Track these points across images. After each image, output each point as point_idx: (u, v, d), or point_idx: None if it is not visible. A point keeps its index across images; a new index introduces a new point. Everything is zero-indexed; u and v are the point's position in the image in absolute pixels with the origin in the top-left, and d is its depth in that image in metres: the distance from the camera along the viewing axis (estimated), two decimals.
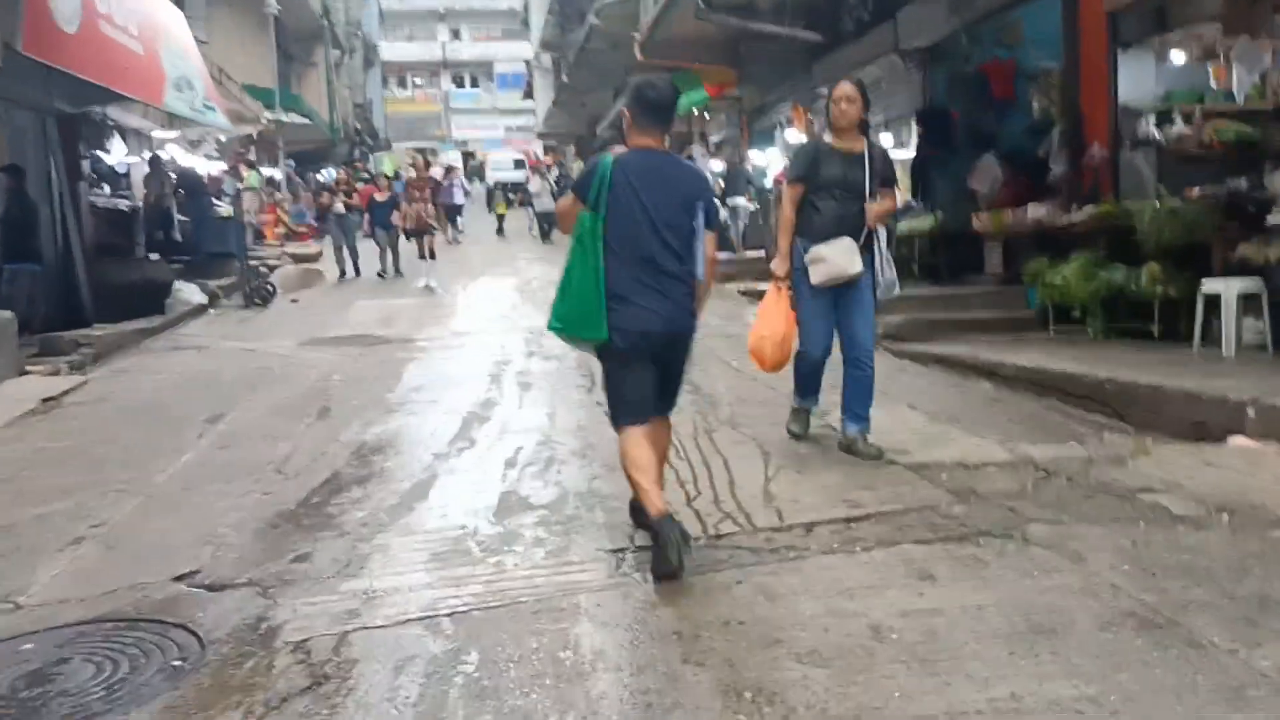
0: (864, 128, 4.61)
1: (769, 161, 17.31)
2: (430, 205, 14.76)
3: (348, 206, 15.61)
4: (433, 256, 14.48)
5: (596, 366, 3.67)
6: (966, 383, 6.48)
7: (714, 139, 20.00)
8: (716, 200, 20.28)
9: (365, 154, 33.92)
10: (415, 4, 52.49)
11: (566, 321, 3.44)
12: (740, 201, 16.17)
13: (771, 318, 4.61)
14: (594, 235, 3.36)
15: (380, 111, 43.74)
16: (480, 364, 7.70)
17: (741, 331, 9.85)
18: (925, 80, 11.04)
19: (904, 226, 10.42)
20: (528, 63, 40.90)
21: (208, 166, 16.81)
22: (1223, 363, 5.84)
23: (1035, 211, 8.29)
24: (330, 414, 6.11)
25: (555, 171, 26.71)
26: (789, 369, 4.77)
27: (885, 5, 11.10)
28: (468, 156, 42.39)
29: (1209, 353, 6.09)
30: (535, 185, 22.32)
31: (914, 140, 11.30)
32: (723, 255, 15.97)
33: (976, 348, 6.78)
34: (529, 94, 41.23)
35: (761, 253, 14.35)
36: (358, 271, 15.65)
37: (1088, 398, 5.56)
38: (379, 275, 15.56)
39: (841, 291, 4.57)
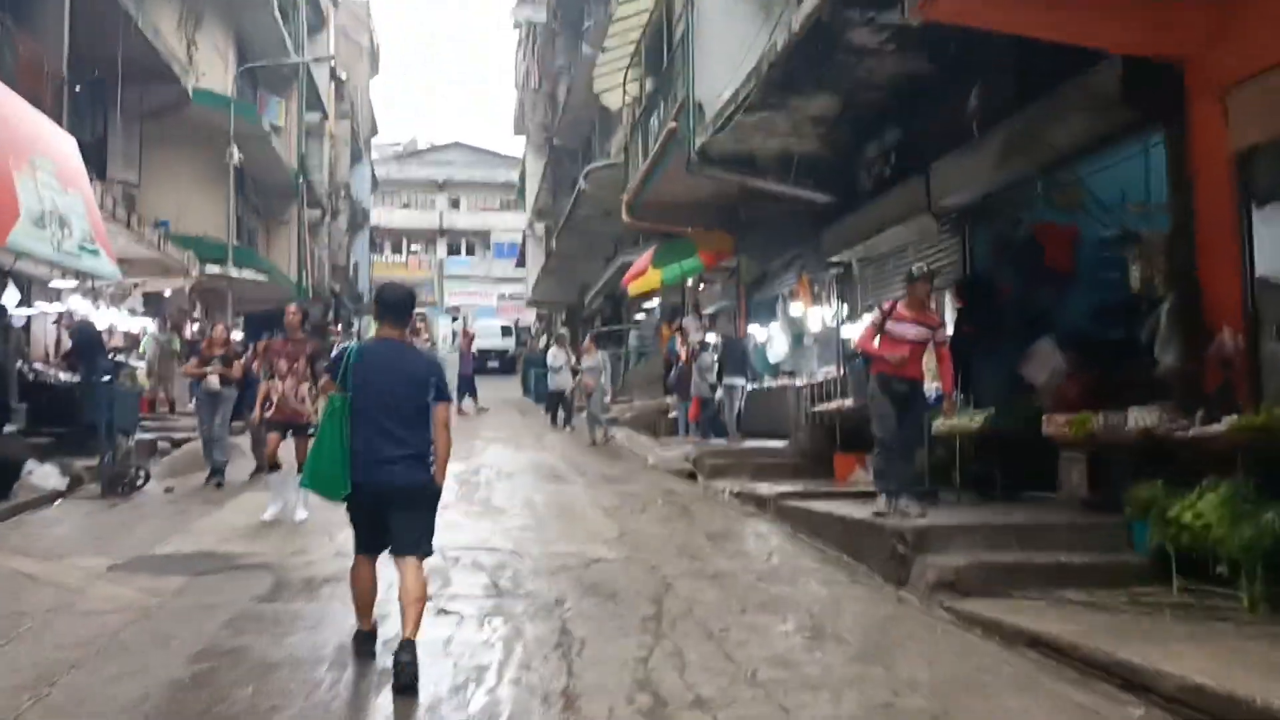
0: None
1: (770, 336, 15.29)
2: (305, 384, 8.35)
3: (223, 379, 10.18)
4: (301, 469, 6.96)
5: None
6: (1097, 702, 3.98)
7: (708, 310, 18.10)
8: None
9: (340, 315, 32.39)
10: (414, 174, 52.75)
11: (316, 480, 4.36)
12: (737, 381, 13.91)
13: None
14: (341, 411, 4.28)
15: (366, 274, 42.59)
16: (341, 619, 5.06)
17: (731, 567, 6.70)
18: (966, 245, 9.06)
19: (941, 424, 8.17)
20: (523, 232, 40.31)
21: (130, 323, 14.77)
22: None
23: (1141, 417, 6.01)
24: None
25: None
26: None
27: (912, 159, 9.29)
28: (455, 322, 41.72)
29: None
30: (556, 358, 17.65)
31: (950, 316, 9.21)
32: (718, 443, 13.69)
33: (1100, 635, 4.32)
34: (521, 262, 40.46)
35: (761, 443, 12.02)
36: (217, 473, 10.29)
37: None
38: (252, 475, 10.51)
39: None
